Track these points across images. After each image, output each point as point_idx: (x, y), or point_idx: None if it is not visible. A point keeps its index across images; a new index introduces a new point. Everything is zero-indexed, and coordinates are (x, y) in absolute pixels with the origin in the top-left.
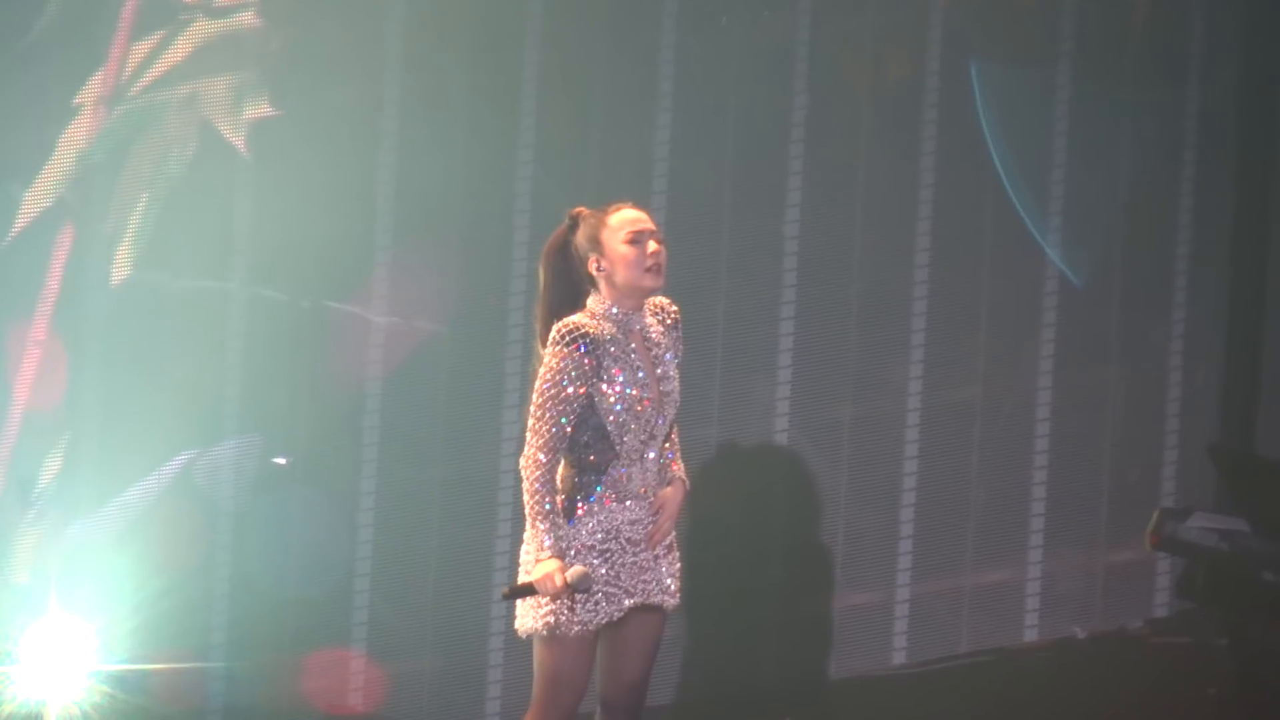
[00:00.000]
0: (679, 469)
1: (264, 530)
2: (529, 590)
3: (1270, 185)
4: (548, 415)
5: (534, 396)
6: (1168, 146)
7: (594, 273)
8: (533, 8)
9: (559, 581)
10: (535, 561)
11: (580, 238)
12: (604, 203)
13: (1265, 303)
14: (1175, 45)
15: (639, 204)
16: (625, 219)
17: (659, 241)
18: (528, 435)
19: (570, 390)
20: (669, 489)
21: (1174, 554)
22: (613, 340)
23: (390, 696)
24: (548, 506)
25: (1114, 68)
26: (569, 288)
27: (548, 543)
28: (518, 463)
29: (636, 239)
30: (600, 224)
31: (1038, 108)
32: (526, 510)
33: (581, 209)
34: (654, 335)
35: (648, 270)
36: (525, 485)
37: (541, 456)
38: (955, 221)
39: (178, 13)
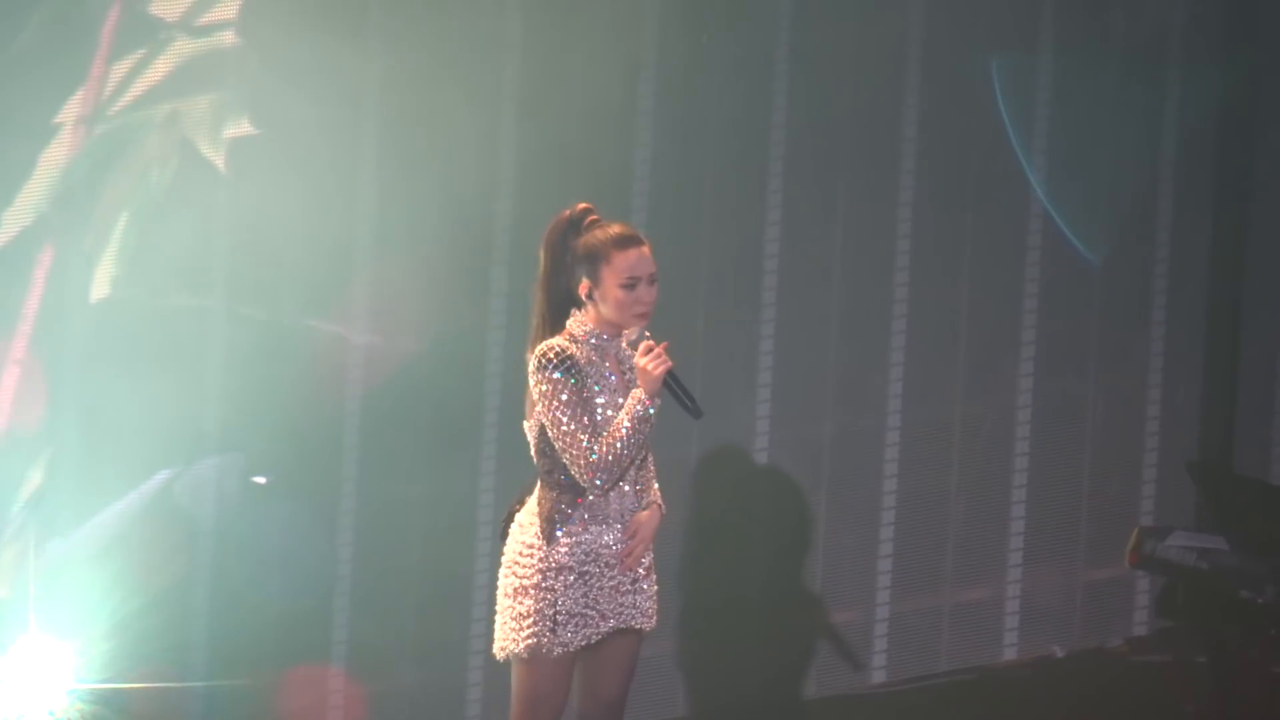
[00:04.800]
0: (655, 493)
1: (244, 548)
2: (677, 383)
3: (1249, 201)
4: (573, 424)
5: (552, 429)
6: (1147, 160)
7: (582, 296)
8: (512, 23)
9: (652, 367)
10: (637, 402)
11: (580, 249)
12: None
13: (1243, 320)
14: (1155, 56)
15: (636, 228)
16: (629, 263)
17: (653, 282)
18: (570, 457)
19: (575, 396)
20: (644, 513)
21: (1153, 572)
22: (590, 364)
23: (370, 714)
24: (620, 439)
25: (1094, 77)
26: (566, 277)
27: (647, 406)
28: (594, 483)
29: (633, 284)
30: (603, 256)
31: (1016, 118)
32: (630, 455)
33: (591, 211)
34: (627, 358)
35: (636, 315)
36: (613, 466)
37: (591, 447)
38: (934, 236)
39: (157, 32)
